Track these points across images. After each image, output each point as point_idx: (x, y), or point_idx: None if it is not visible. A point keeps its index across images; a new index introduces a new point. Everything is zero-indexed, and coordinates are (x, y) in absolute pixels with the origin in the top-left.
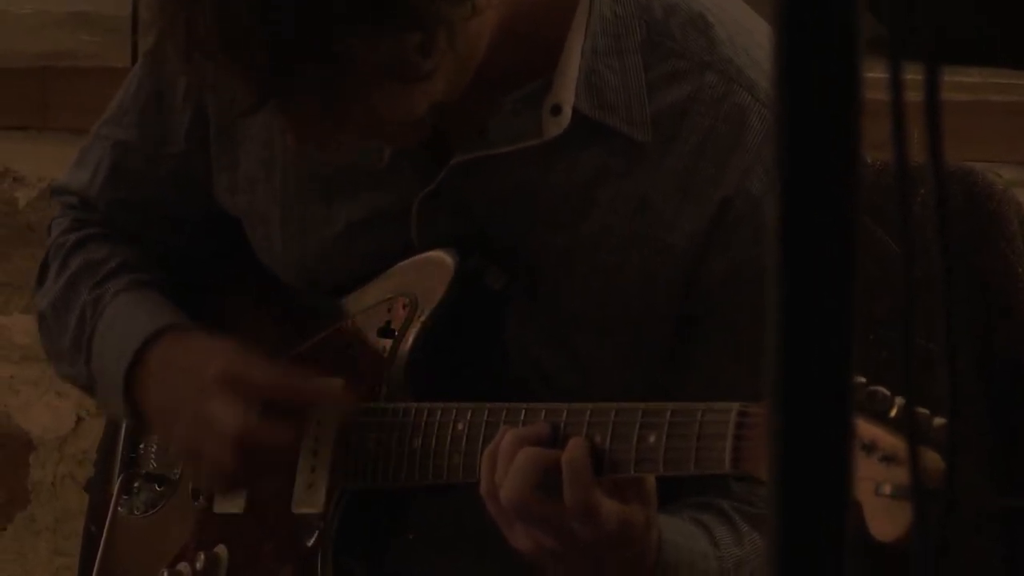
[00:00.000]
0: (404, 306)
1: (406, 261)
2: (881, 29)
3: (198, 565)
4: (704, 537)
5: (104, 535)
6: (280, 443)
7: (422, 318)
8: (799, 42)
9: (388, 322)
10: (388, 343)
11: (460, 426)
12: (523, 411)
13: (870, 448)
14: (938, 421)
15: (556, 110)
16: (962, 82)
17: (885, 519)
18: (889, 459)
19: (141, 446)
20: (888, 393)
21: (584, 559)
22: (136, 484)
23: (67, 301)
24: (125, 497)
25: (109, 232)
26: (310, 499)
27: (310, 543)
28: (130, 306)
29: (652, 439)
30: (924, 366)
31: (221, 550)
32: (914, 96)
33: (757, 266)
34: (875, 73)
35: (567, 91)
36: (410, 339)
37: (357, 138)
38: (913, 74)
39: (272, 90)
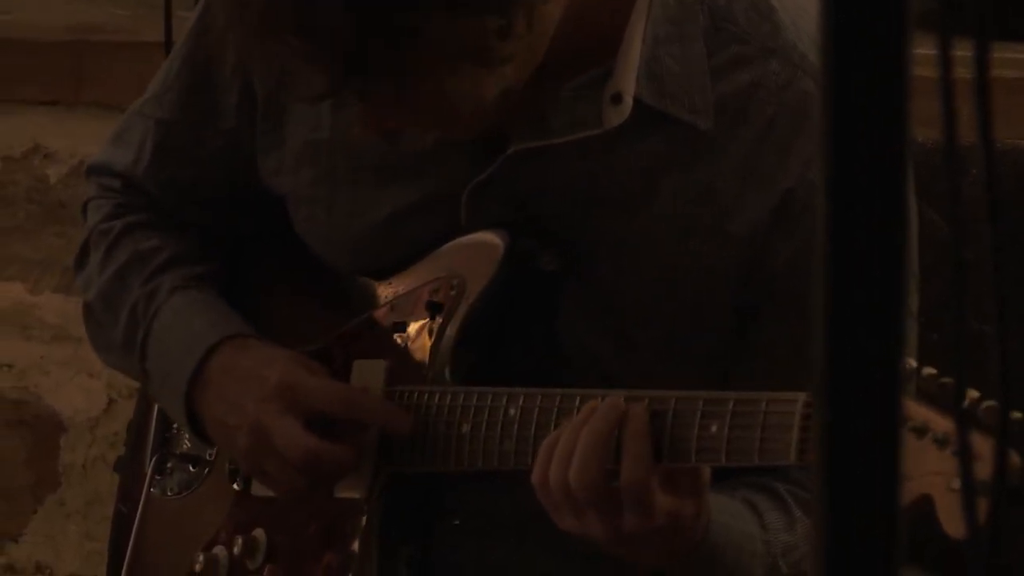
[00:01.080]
0: (451, 287)
1: (453, 242)
2: (930, 4)
3: (235, 549)
4: (753, 519)
5: (137, 517)
6: (342, 464)
7: (470, 300)
8: (847, 18)
9: (435, 304)
10: (435, 325)
11: (511, 412)
12: (577, 398)
13: (943, 442)
14: (1016, 415)
15: (617, 99)
16: (1013, 59)
17: (958, 515)
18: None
19: (175, 426)
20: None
21: (629, 545)
22: (169, 465)
23: (117, 294)
24: (158, 478)
25: (155, 218)
26: (353, 483)
27: (353, 528)
28: (188, 311)
29: (714, 428)
30: (977, 348)
31: (259, 534)
32: (964, 73)
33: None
34: (924, 49)
35: (628, 80)
36: (457, 321)
37: (424, 127)
38: (963, 50)
39: (349, 73)
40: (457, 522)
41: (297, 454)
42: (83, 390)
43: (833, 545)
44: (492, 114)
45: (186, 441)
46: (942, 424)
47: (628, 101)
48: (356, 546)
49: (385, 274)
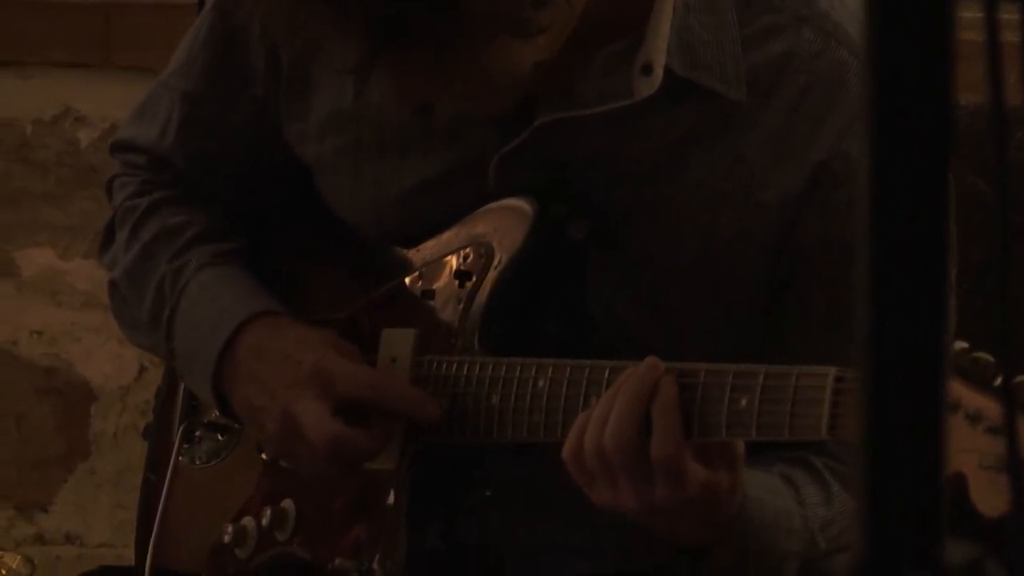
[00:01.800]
0: (480, 255)
1: (482, 209)
2: None
3: (263, 520)
4: (790, 494)
5: (166, 486)
6: (369, 450)
7: (499, 268)
8: None
9: (463, 272)
10: (463, 294)
11: (540, 383)
12: (607, 369)
13: (975, 418)
14: None
15: (647, 69)
16: None
17: (991, 493)
18: (996, 430)
19: None
20: (993, 360)
21: (663, 518)
22: (198, 433)
23: (143, 271)
24: (186, 447)
25: (181, 195)
26: (383, 454)
27: (382, 499)
28: (216, 286)
29: (744, 402)
30: (1021, 315)
31: (288, 504)
32: (1010, 36)
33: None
34: (969, 12)
35: (658, 49)
36: (486, 290)
37: (458, 99)
38: (1009, 13)
39: (384, 43)
40: (488, 494)
41: (323, 441)
42: (114, 358)
43: (876, 522)
44: (526, 85)
45: (214, 410)
46: (975, 400)
47: (658, 71)
48: (385, 517)
49: (413, 242)
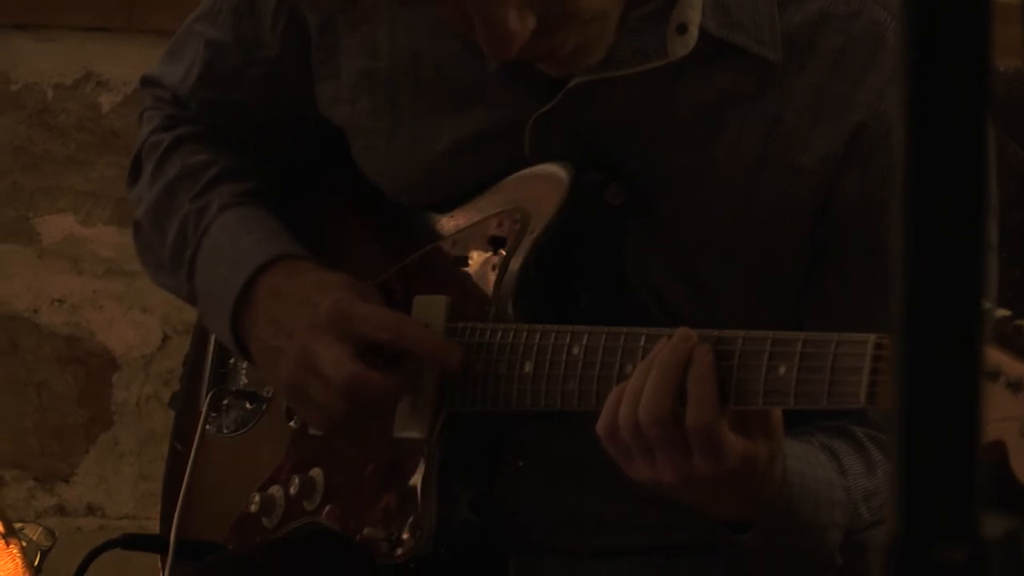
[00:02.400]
0: (515, 221)
1: (516, 174)
2: None
3: (292, 489)
4: (832, 465)
5: (192, 455)
6: (387, 392)
7: (534, 234)
8: None
9: (497, 238)
10: (497, 260)
11: (575, 351)
12: (643, 336)
13: (1016, 386)
14: None
15: (682, 29)
16: None
17: None
18: None
19: (231, 361)
20: None
21: (702, 492)
22: (225, 401)
23: (166, 210)
24: (213, 415)
25: (205, 131)
26: (413, 423)
27: (413, 469)
28: (237, 226)
29: (782, 370)
30: None
31: (316, 473)
32: None
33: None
34: None
35: (693, 8)
36: (521, 255)
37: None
38: None
39: None
40: (521, 464)
41: (341, 379)
42: (137, 326)
43: (909, 495)
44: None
45: (243, 377)
46: (1016, 368)
47: (693, 32)
48: (416, 487)
49: (447, 207)
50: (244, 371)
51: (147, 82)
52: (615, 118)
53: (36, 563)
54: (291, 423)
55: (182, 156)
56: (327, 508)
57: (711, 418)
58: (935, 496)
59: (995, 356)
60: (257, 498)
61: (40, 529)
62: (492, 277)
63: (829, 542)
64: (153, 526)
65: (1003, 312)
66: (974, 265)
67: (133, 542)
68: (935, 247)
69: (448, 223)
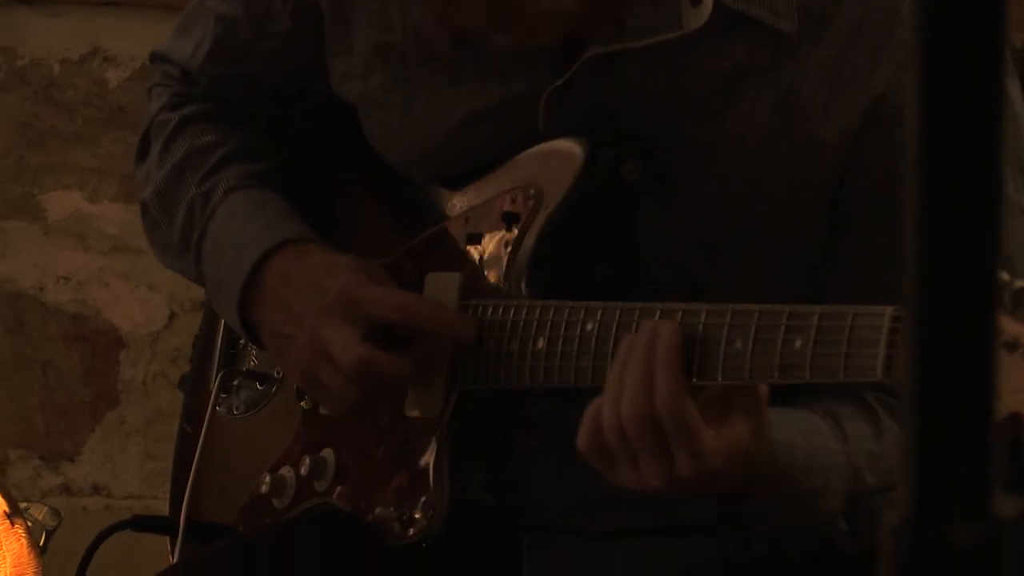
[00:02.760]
0: (528, 197)
1: (530, 150)
2: None
3: (302, 470)
4: (832, 431)
5: (202, 437)
6: (399, 374)
7: (548, 210)
8: None
9: (510, 214)
10: (510, 237)
11: (589, 327)
12: (658, 311)
13: None
14: None
15: (696, 0)
16: None
17: None
18: None
19: (241, 342)
20: None
21: (690, 490)
22: (235, 382)
23: (173, 192)
24: (223, 396)
25: (213, 109)
26: (425, 402)
27: (425, 448)
28: (244, 210)
29: (798, 344)
30: None
31: (328, 454)
32: None
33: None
34: None
35: None
36: (534, 233)
37: (496, 24)
38: None
39: None
40: (534, 443)
41: (350, 363)
42: (143, 303)
43: (921, 473)
44: (571, 19)
45: (253, 357)
46: None
47: (707, 3)
48: (428, 466)
49: (460, 183)
50: (254, 352)
51: (156, 58)
52: (629, 91)
53: (42, 543)
54: (302, 403)
55: (190, 136)
56: (338, 488)
57: (678, 396)
58: (947, 474)
59: (1013, 327)
60: (268, 479)
61: (45, 509)
62: (505, 254)
63: (827, 508)
64: (159, 506)
65: (1020, 283)
66: (988, 238)
67: (143, 524)
68: (949, 220)
69: (461, 200)
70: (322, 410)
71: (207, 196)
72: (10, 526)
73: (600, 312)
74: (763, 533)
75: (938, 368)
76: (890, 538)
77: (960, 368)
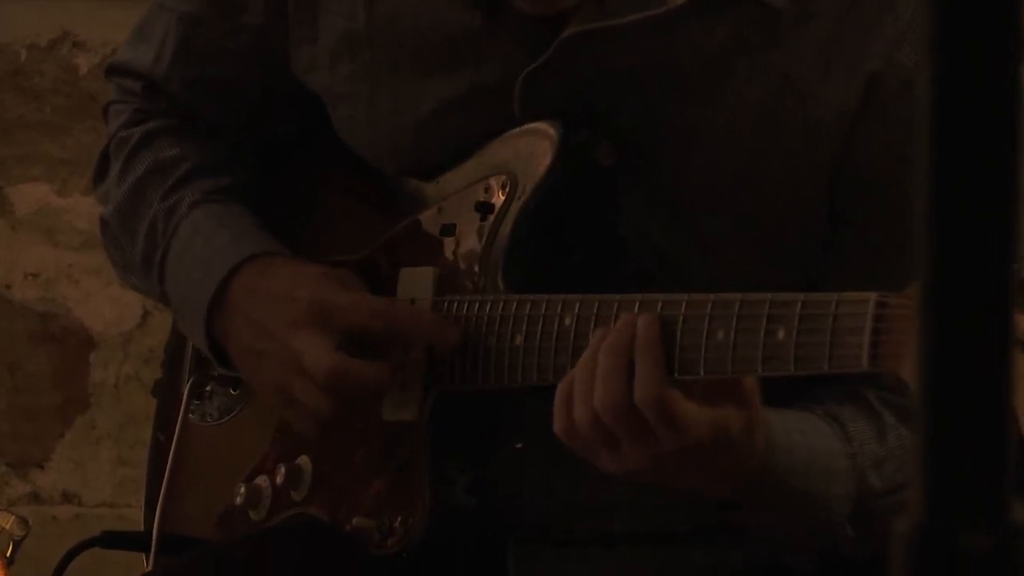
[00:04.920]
0: (502, 185)
1: (503, 135)
2: None
3: (278, 479)
4: (835, 434)
5: (173, 446)
6: (375, 382)
7: (523, 198)
8: None
9: (484, 204)
10: (485, 227)
11: (567, 320)
12: (637, 303)
13: None
14: None
15: None
16: None
17: None
18: None
19: None
20: None
21: (678, 470)
22: (208, 388)
23: (135, 209)
24: (196, 402)
25: (177, 124)
26: (403, 405)
27: (404, 453)
28: (208, 226)
29: (781, 334)
30: None
31: (304, 461)
32: None
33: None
34: None
35: None
36: (509, 222)
37: None
38: None
39: None
40: (519, 446)
41: (322, 372)
42: (115, 302)
43: (933, 480)
44: None
45: None
46: None
47: None
48: (407, 472)
49: (433, 173)
50: None
51: (113, 71)
52: (612, 71)
53: (9, 553)
54: None
55: (153, 152)
56: (316, 498)
57: (656, 389)
58: (961, 479)
59: None
60: (243, 489)
61: (13, 518)
62: (480, 245)
63: (830, 514)
64: (133, 514)
65: None
66: (1004, 234)
67: (113, 540)
68: (962, 216)
69: (434, 191)
70: (284, 413)
71: (170, 213)
72: None
73: (578, 305)
74: (761, 540)
75: (952, 369)
76: (900, 545)
77: (975, 369)
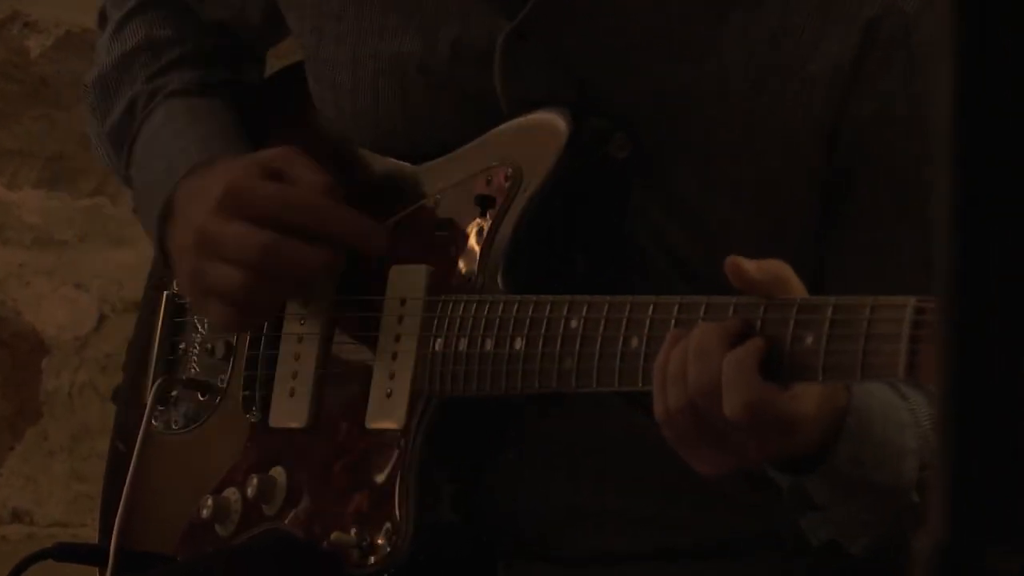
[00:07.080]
0: (506, 178)
1: (507, 124)
2: None
3: (249, 491)
4: (891, 389)
5: (135, 455)
6: (309, 259)
7: (527, 193)
8: None
9: (485, 198)
10: (486, 223)
11: (574, 323)
12: (651, 306)
13: None
14: None
15: None
16: None
17: None
18: None
19: (181, 346)
20: None
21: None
22: (174, 393)
23: (117, 82)
24: (161, 408)
25: (178, 2)
26: (388, 412)
27: (387, 464)
28: (183, 119)
29: (809, 340)
30: None
31: (278, 472)
32: None
33: (916, 103)
34: None
35: None
36: (512, 218)
37: None
38: None
39: None
40: (513, 456)
41: (254, 251)
42: (70, 304)
43: (957, 494)
44: None
45: (195, 364)
46: None
47: None
48: (391, 485)
49: (425, 157)
50: (195, 358)
51: None
52: (595, 33)
53: None
54: (249, 416)
55: (147, 24)
56: (290, 512)
57: (752, 398)
58: (985, 497)
59: None
60: (210, 502)
61: None
62: (479, 242)
63: (906, 472)
64: (87, 534)
65: None
66: None
67: (67, 552)
68: (984, 223)
69: (428, 180)
70: (273, 423)
71: (151, 96)
72: None
73: (586, 308)
74: (765, 552)
75: (975, 382)
76: (921, 565)
77: (999, 381)
